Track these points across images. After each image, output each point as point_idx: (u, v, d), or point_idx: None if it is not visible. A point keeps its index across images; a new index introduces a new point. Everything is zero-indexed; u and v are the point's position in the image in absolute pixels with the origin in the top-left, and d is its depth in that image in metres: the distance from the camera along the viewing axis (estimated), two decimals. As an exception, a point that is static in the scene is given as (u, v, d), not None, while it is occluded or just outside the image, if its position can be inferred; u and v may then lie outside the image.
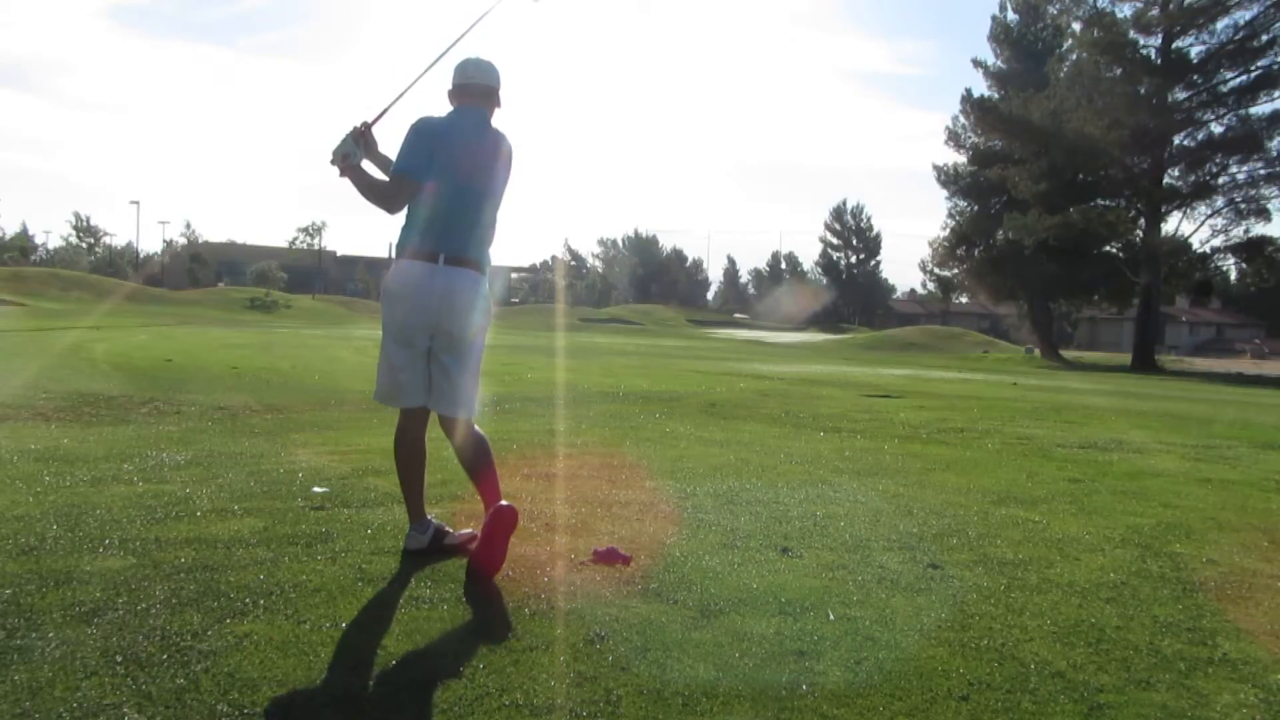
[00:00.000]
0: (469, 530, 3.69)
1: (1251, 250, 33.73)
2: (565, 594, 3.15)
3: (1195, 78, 32.64)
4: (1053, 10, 36.43)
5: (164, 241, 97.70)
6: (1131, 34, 32.39)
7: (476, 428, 3.56)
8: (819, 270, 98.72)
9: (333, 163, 3.42)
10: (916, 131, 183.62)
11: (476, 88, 3.55)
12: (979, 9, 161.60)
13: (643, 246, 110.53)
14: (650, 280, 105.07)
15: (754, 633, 2.83)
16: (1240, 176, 32.94)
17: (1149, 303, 34.45)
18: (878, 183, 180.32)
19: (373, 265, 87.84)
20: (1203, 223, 33.95)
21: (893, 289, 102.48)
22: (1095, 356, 45.11)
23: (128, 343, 17.57)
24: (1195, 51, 32.83)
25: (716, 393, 11.50)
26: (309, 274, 73.95)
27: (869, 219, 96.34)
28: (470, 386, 3.50)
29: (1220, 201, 33.29)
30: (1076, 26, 34.42)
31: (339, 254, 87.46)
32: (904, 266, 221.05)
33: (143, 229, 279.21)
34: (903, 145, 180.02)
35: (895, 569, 3.57)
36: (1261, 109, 32.15)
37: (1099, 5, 32.81)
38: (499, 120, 3.61)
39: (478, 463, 3.54)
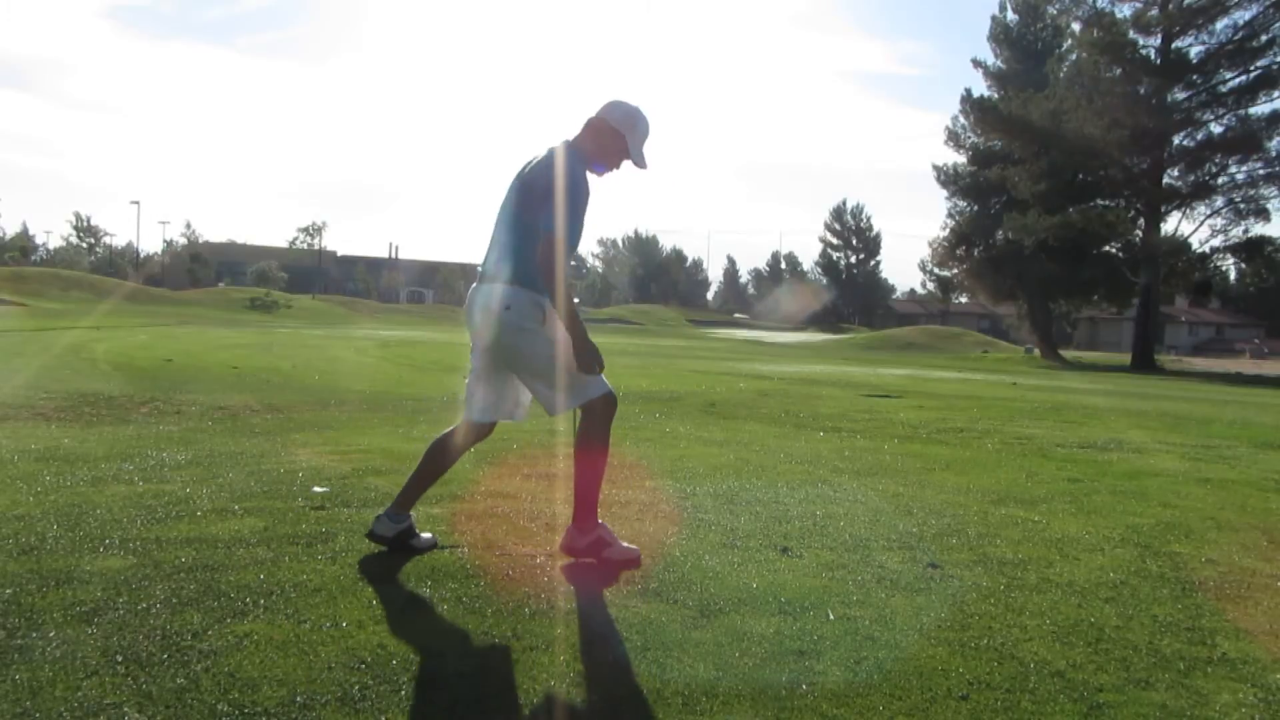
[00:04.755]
0: (429, 536, 3.74)
1: (1251, 250, 33.79)
2: (565, 594, 3.15)
3: (1195, 78, 32.69)
4: (1052, 10, 36.50)
5: (164, 241, 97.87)
6: (1131, 34, 32.44)
7: (587, 435, 3.51)
8: (819, 270, 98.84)
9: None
10: (916, 131, 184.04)
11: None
12: (979, 9, 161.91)
13: (643, 246, 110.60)
14: (650, 280, 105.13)
15: (754, 632, 2.83)
16: (1240, 176, 33.05)
17: (1148, 303, 34.49)
18: (878, 183, 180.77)
19: (373, 265, 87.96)
20: (1202, 223, 34.05)
21: (892, 289, 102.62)
22: (1095, 356, 45.12)
23: (128, 343, 17.57)
24: (1195, 52, 32.94)
25: (716, 393, 11.50)
26: (309, 274, 74.01)
27: (869, 219, 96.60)
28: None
29: (1220, 201, 33.36)
30: (1076, 27, 34.53)
31: (339, 254, 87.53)
32: (904, 266, 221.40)
33: (143, 229, 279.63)
34: (903, 145, 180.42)
35: (895, 569, 3.57)
36: (1261, 109, 32.29)
37: (1099, 5, 32.90)
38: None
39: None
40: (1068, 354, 42.94)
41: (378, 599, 3.02)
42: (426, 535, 3.74)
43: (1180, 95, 33.02)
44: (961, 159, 41.68)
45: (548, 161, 3.45)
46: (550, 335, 3.43)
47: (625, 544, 3.57)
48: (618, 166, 3.58)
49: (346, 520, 3.99)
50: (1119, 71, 32.85)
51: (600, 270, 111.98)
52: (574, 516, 3.53)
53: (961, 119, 40.09)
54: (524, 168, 3.55)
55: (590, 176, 3.50)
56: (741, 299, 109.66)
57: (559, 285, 3.34)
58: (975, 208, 41.03)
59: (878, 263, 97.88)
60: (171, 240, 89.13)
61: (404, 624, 2.81)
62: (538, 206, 3.37)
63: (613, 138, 3.51)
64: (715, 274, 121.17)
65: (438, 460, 3.68)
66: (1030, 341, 46.76)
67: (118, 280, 59.04)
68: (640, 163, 3.57)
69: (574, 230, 3.38)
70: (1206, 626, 3.08)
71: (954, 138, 41.21)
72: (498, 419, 3.66)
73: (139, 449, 5.66)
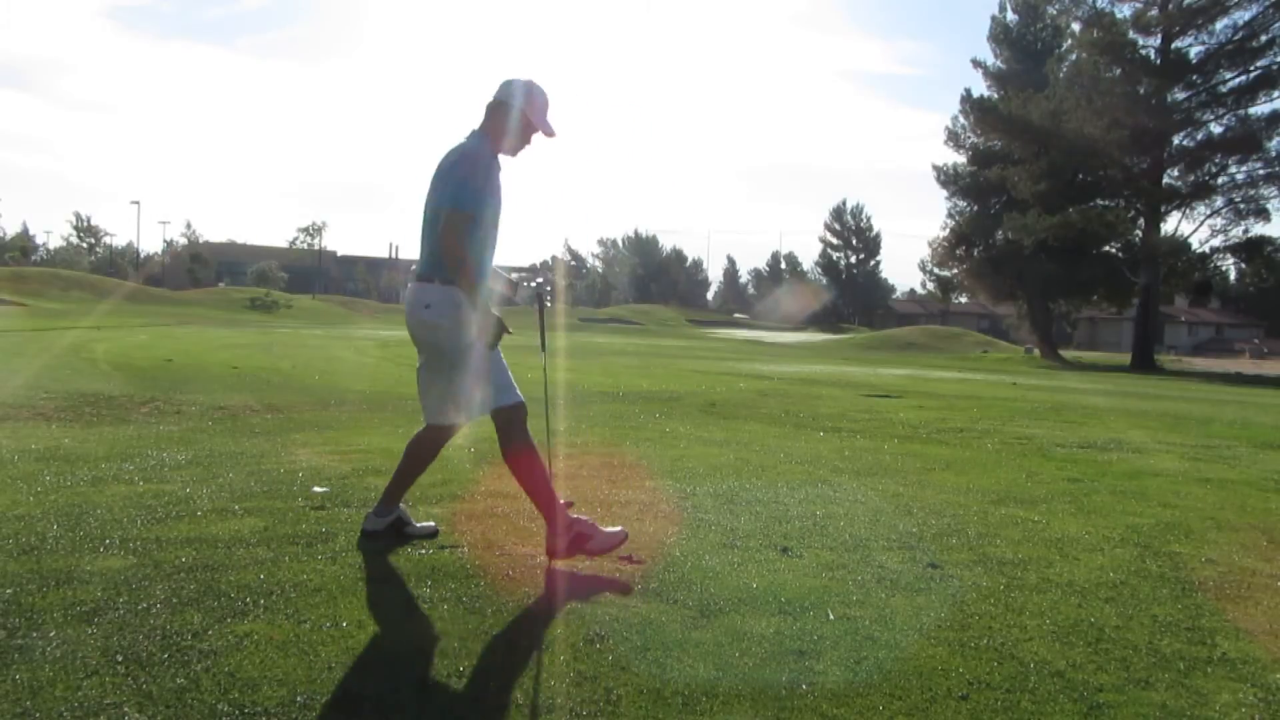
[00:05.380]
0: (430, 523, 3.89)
1: (1250, 250, 33.78)
2: (565, 594, 3.16)
3: (1194, 78, 32.67)
4: (1052, 10, 36.47)
5: (164, 241, 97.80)
6: (1131, 34, 32.42)
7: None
8: (819, 270, 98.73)
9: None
10: (916, 131, 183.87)
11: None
12: (979, 9, 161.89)
13: (643, 246, 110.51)
14: (650, 280, 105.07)
15: (754, 632, 2.83)
16: (1239, 176, 33.02)
17: (1148, 303, 34.48)
18: (878, 183, 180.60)
19: (373, 265, 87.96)
20: (1202, 223, 34.03)
21: (893, 289, 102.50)
22: (1094, 356, 45.12)
23: (128, 343, 17.57)
24: (1194, 52, 32.91)
25: (716, 393, 11.50)
26: (309, 274, 73.98)
27: (869, 219, 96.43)
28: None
29: (1219, 201, 33.34)
30: (1076, 27, 34.49)
31: (339, 254, 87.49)
32: (904, 266, 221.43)
33: (143, 229, 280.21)
34: (903, 145, 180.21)
35: (895, 569, 3.57)
36: (1260, 109, 32.26)
37: (1098, 5, 32.87)
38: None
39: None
40: (1068, 354, 42.91)
41: (378, 599, 3.02)
42: (427, 524, 3.82)
43: (1180, 95, 33.00)
44: (961, 159, 41.67)
45: (451, 148, 3.53)
46: (470, 335, 3.44)
47: (607, 529, 3.57)
48: (528, 141, 3.62)
49: (346, 520, 3.99)
50: (1119, 71, 32.83)
51: (600, 270, 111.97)
52: (545, 522, 3.56)
53: (961, 119, 40.07)
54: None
55: (502, 157, 3.56)
56: (741, 299, 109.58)
57: (456, 256, 3.36)
58: (975, 208, 40.98)
59: (878, 263, 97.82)
60: (171, 240, 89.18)
61: (404, 624, 2.81)
62: (441, 189, 3.44)
63: (518, 120, 3.54)
64: (715, 274, 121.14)
65: (415, 459, 3.77)
66: (1030, 341, 46.74)
67: (118, 280, 59.01)
68: (547, 130, 3.61)
69: (474, 201, 3.39)
70: (1206, 626, 3.08)
71: (954, 138, 41.19)
72: (454, 422, 3.68)
73: (139, 449, 5.67)
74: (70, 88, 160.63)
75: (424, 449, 3.76)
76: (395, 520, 3.75)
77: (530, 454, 3.55)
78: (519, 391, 3.56)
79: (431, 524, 3.85)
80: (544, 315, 3.91)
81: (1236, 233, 33.52)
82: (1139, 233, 34.36)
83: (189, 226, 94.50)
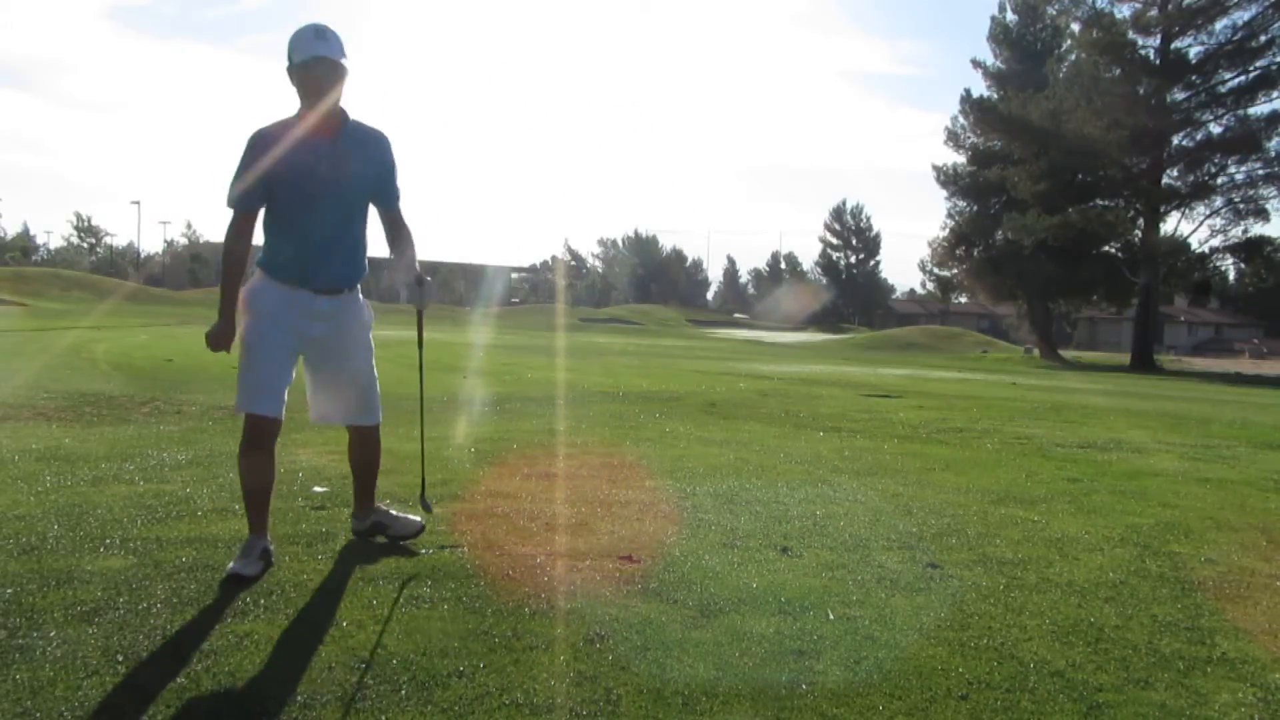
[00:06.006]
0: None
1: (1250, 250, 33.83)
2: (565, 594, 3.16)
3: (1194, 78, 32.71)
4: (1052, 11, 36.51)
5: (165, 241, 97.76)
6: (1130, 34, 32.47)
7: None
8: (819, 270, 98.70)
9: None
10: (916, 131, 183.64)
11: None
12: (979, 9, 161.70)
13: (643, 246, 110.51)
14: (650, 280, 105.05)
15: (754, 632, 2.83)
16: (1239, 177, 33.08)
17: (1148, 303, 34.50)
18: (878, 183, 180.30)
19: (373, 265, 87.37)
20: (1201, 223, 34.07)
21: (892, 289, 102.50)
22: (1094, 356, 45.11)
23: (128, 343, 17.56)
24: (1194, 52, 32.96)
25: (716, 393, 11.50)
26: (309, 274, 73.87)
27: (869, 219, 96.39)
28: None
29: (1219, 202, 33.39)
30: (1076, 27, 34.54)
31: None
32: (904, 266, 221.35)
33: (143, 229, 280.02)
34: (903, 145, 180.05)
35: (895, 569, 3.57)
36: (1260, 109, 32.30)
37: (1098, 6, 32.91)
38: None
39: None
40: (1067, 354, 42.92)
41: (378, 599, 3.02)
42: (414, 517, 3.79)
43: (1180, 95, 33.03)
44: (961, 159, 41.69)
45: None
46: (244, 331, 3.46)
47: (257, 560, 3.24)
48: (324, 91, 3.40)
49: (346, 520, 3.99)
50: (1118, 72, 32.85)
51: (600, 270, 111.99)
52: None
53: (961, 119, 40.11)
54: None
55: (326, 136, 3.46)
56: (741, 299, 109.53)
57: (225, 255, 3.44)
58: (975, 208, 41.00)
59: (878, 263, 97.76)
60: (172, 240, 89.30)
61: (404, 624, 2.81)
62: None
63: (293, 72, 3.39)
64: (715, 274, 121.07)
65: (353, 458, 3.81)
66: (1030, 341, 46.76)
67: (118, 280, 59.03)
68: (306, 54, 3.32)
69: (233, 194, 3.38)
70: (1206, 626, 3.08)
71: (954, 138, 41.21)
72: (336, 422, 3.81)
73: (139, 449, 5.67)
74: (70, 88, 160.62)
75: (351, 447, 3.80)
76: (377, 522, 3.73)
77: (241, 468, 3.48)
78: (277, 404, 3.50)
79: (417, 519, 3.77)
80: (421, 306, 4.02)
81: (1236, 233, 33.63)
82: (1139, 233, 34.40)
83: (189, 226, 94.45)
